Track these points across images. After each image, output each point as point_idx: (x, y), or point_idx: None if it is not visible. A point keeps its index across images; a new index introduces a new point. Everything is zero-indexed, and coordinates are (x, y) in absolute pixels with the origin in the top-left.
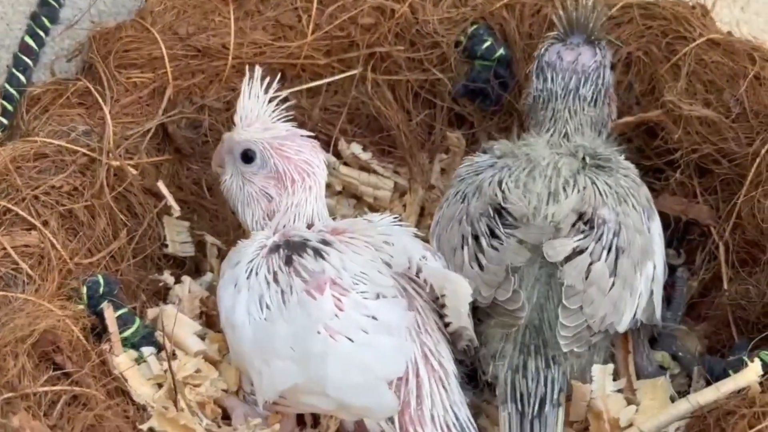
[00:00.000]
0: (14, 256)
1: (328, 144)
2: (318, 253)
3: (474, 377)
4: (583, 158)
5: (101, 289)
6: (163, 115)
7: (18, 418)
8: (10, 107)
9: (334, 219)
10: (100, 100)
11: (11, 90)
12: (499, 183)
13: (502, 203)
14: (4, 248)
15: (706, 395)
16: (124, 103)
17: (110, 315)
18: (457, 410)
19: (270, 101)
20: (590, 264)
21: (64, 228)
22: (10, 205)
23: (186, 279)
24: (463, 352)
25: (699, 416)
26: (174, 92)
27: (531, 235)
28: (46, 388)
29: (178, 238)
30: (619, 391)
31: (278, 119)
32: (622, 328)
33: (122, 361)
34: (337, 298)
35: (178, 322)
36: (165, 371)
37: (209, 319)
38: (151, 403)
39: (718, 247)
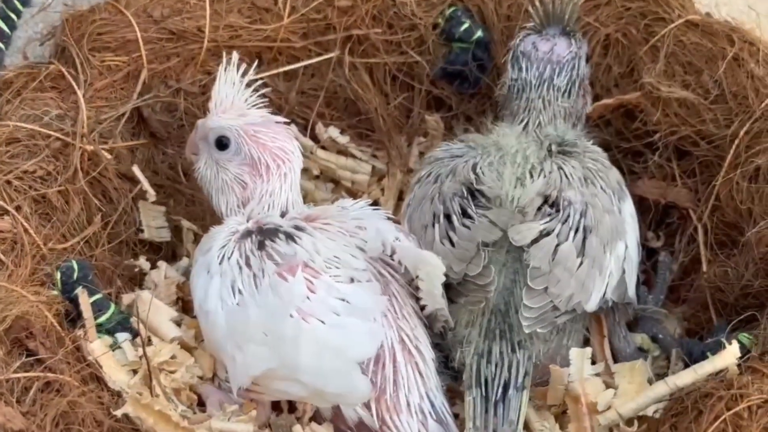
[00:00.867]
0: None
1: (305, 128)
2: (290, 237)
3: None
4: (549, 146)
5: (75, 275)
6: (138, 99)
7: None
8: None
9: (308, 206)
10: (74, 83)
11: None
12: (474, 166)
13: (475, 184)
14: None
15: (683, 377)
16: (98, 87)
17: (85, 301)
18: (433, 397)
19: (245, 87)
20: (557, 245)
21: (38, 213)
22: None
23: (162, 264)
24: (440, 335)
25: (677, 398)
26: (149, 76)
27: (501, 219)
28: (18, 375)
29: (153, 223)
30: (597, 374)
31: (253, 105)
32: (590, 307)
33: (97, 347)
34: (309, 281)
35: (154, 308)
36: (140, 357)
37: (185, 305)
38: (126, 390)
39: (697, 230)
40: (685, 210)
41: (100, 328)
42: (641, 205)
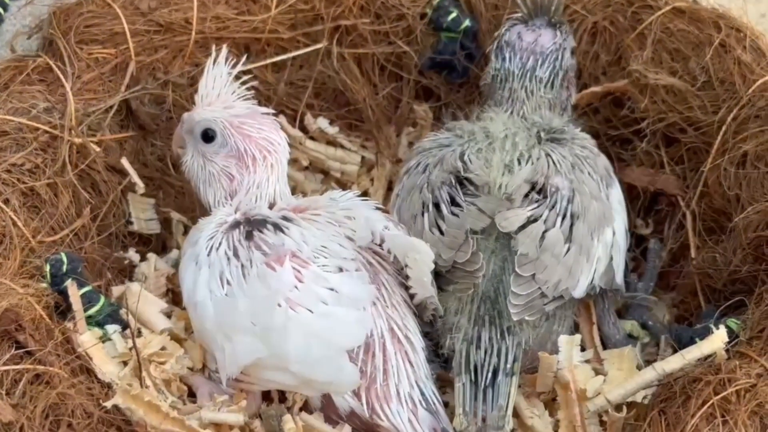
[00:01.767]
0: None
1: (294, 119)
2: (278, 227)
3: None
4: (538, 133)
5: (65, 267)
6: (126, 92)
7: None
8: None
9: (296, 197)
10: (62, 76)
11: None
12: (461, 155)
13: (462, 172)
14: None
15: (671, 363)
16: (86, 80)
17: (74, 293)
18: (423, 385)
19: (231, 79)
20: (545, 231)
21: (26, 206)
22: None
23: (152, 256)
24: (429, 323)
25: (666, 384)
26: (137, 68)
27: (489, 206)
28: (7, 367)
29: (143, 216)
30: (587, 361)
31: (240, 98)
32: (578, 293)
33: (86, 339)
34: (297, 270)
35: (144, 300)
36: (130, 349)
37: (176, 297)
38: (116, 381)
39: (685, 217)
40: (674, 197)
41: (90, 320)
42: (630, 192)
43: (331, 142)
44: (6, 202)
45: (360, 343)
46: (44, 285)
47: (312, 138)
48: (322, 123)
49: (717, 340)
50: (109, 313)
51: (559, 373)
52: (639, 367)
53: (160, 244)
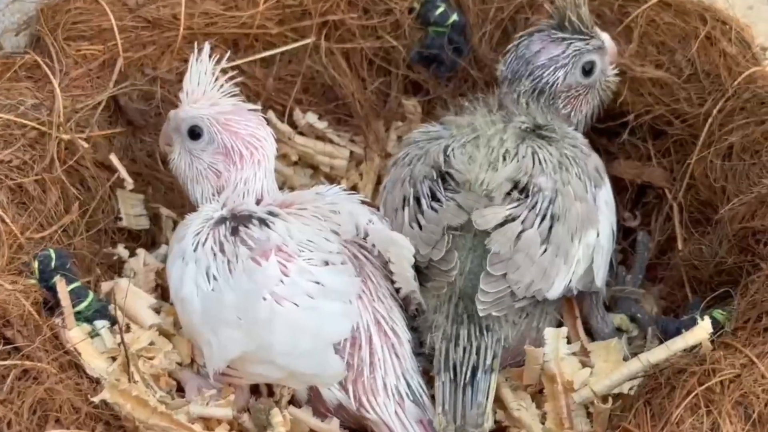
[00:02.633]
0: None
1: (283, 114)
2: (264, 222)
3: None
4: (527, 129)
5: (53, 263)
6: (114, 88)
7: None
8: None
9: (283, 191)
10: (49, 73)
11: None
12: (445, 149)
13: (443, 167)
14: None
15: (657, 354)
16: (74, 76)
17: (63, 289)
18: (410, 378)
19: (217, 76)
20: (521, 231)
21: (14, 202)
22: None
23: (141, 252)
24: (413, 317)
25: (651, 375)
26: (125, 64)
27: (468, 202)
28: None
29: (132, 211)
30: (573, 354)
31: (226, 94)
32: (552, 295)
33: (75, 334)
34: (283, 264)
35: (133, 296)
36: (119, 344)
37: (165, 292)
38: (105, 376)
39: (672, 209)
40: (661, 189)
41: (79, 316)
42: (617, 185)
43: (320, 137)
44: None
45: (346, 336)
46: (33, 281)
47: (301, 133)
48: (311, 118)
49: (701, 331)
50: (97, 309)
51: (546, 365)
52: (626, 359)
53: (150, 239)
